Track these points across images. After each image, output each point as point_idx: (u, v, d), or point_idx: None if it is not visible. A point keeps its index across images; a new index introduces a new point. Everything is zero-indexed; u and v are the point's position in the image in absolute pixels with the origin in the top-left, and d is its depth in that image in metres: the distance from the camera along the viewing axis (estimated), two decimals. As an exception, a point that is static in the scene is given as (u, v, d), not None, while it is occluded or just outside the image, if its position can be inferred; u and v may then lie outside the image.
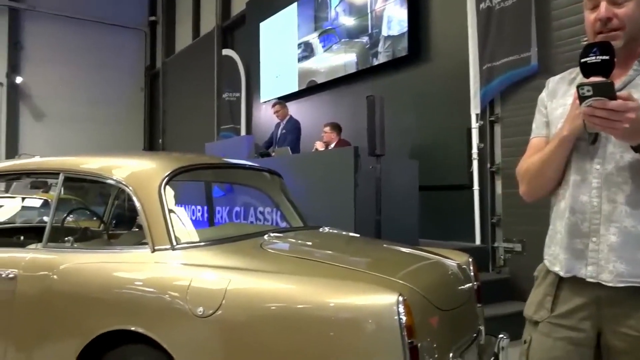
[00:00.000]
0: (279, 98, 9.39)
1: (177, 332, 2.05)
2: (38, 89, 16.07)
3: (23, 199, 7.93)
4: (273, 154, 6.58)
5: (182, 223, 2.48)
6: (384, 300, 1.82)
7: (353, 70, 7.87)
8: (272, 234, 2.58)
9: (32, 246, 2.75)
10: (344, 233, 3.10)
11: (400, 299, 1.81)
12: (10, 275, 2.49)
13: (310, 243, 2.66)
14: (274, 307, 1.94)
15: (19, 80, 15.82)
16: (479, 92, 5.68)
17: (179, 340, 2.05)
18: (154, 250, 2.31)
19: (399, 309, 1.79)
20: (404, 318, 1.79)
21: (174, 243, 2.31)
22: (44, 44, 16.07)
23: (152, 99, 17.65)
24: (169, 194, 2.47)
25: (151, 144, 17.32)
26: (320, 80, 8.57)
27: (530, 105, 1.94)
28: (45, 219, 7.23)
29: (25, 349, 2.43)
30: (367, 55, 7.58)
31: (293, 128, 7.69)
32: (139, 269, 2.28)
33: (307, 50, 8.90)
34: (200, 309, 2.00)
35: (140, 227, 3.66)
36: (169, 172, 2.53)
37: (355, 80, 7.90)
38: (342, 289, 1.94)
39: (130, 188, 2.46)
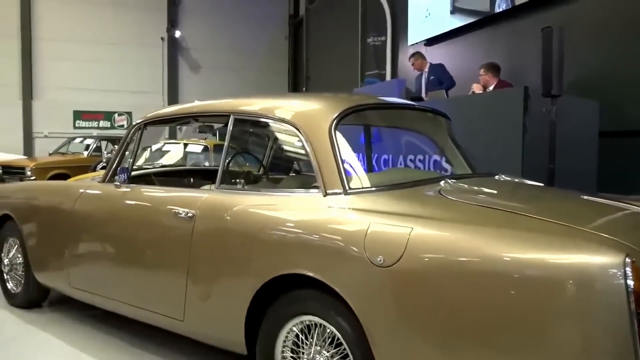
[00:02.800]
0: (428, 40, 8.87)
1: (352, 279, 1.95)
2: (194, 41, 17.13)
3: (186, 144, 8.58)
4: (426, 99, 6.22)
5: (354, 167, 2.34)
6: (604, 260, 1.52)
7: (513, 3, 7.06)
8: (449, 180, 2.33)
9: (206, 187, 2.83)
10: (526, 181, 2.75)
11: (628, 260, 1.49)
12: (189, 215, 2.57)
13: (495, 191, 2.38)
14: (464, 261, 1.72)
15: (177, 34, 16.97)
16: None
17: (355, 288, 1.94)
18: (325, 194, 2.21)
19: (626, 272, 1.48)
20: (631, 283, 1.48)
21: (347, 187, 2.18)
22: (198, -2, 16.95)
23: (296, 47, 17.92)
24: (339, 135, 2.33)
25: (295, 92, 17.74)
26: (475, 17, 7.85)
27: None
28: (206, 163, 7.79)
29: (203, 284, 2.53)
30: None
31: (441, 70, 7.24)
32: (311, 213, 2.20)
33: (461, -16, 8.17)
34: (380, 257, 1.86)
35: (297, 171, 3.69)
36: (339, 112, 2.38)
37: (517, 15, 7.09)
38: (545, 244, 1.66)
39: (302, 130, 2.36)
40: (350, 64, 12.04)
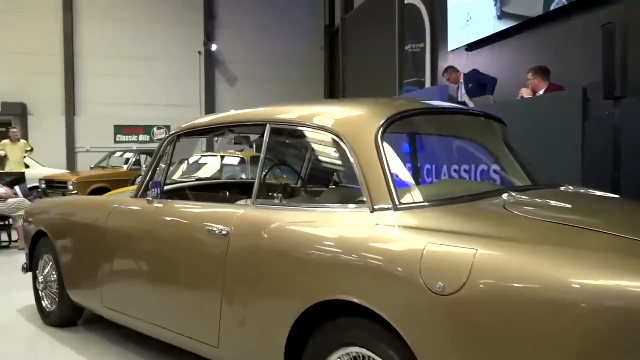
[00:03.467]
0: (469, 45, 8.55)
1: (406, 308, 1.70)
2: (230, 54, 17.25)
3: (222, 157, 8.49)
4: (471, 105, 5.91)
5: (403, 179, 2.10)
6: None
7: (563, 2, 6.68)
8: (512, 193, 2.06)
9: (242, 202, 2.64)
10: (597, 193, 2.44)
11: None
12: (224, 232, 2.38)
13: (567, 205, 2.09)
14: (540, 289, 1.46)
15: (213, 47, 17.11)
16: None
17: (409, 317, 1.70)
18: (372, 210, 1.98)
19: None
20: None
21: (397, 202, 1.94)
22: (234, 11, 17.09)
23: (332, 57, 17.79)
24: (386, 144, 2.10)
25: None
26: (520, 19, 7.48)
27: None
28: (243, 176, 7.65)
29: (239, 308, 2.32)
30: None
31: (477, 74, 6.96)
32: (357, 231, 1.96)
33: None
34: (440, 284, 1.61)
35: (339, 184, 3.46)
36: (385, 119, 2.15)
37: (566, 15, 6.70)
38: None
39: (345, 138, 2.14)
40: (388, 73, 11.78)
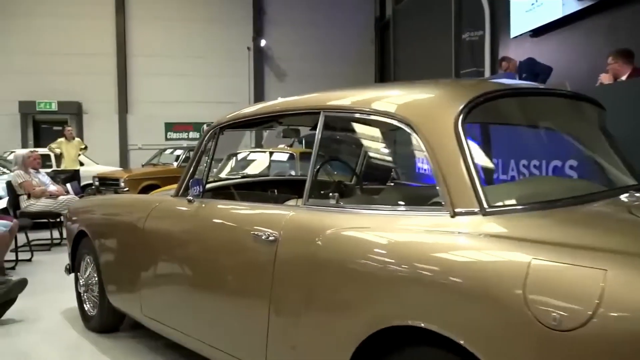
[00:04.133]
0: (535, 31, 7.91)
1: (506, 345, 1.30)
2: (279, 50, 17.07)
3: (270, 153, 8.20)
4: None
5: (490, 176, 1.69)
6: None
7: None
8: (636, 194, 1.61)
9: (291, 203, 2.29)
10: None
11: None
12: (271, 238, 2.04)
13: None
14: None
15: (263, 43, 16.96)
16: None
17: (509, 357, 1.29)
18: (454, 214, 1.58)
19: None
20: None
21: (485, 205, 1.54)
22: (283, 7, 16.88)
23: (383, 51, 17.29)
24: (469, 133, 1.69)
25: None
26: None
27: None
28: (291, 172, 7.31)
29: (289, 327, 1.98)
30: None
31: (532, 62, 6.42)
32: (434, 241, 1.57)
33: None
34: (555, 316, 1.20)
35: (403, 180, 3.06)
36: (466, 102, 1.73)
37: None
38: None
39: (417, 127, 1.74)
40: (443, 64, 11.20)
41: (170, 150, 12.72)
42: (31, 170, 6.79)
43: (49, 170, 9.95)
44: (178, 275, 2.72)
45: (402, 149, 2.05)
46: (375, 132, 2.26)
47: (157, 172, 11.09)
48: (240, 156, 8.13)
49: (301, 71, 16.88)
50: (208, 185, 2.81)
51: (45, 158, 11.03)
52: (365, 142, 2.55)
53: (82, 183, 10.76)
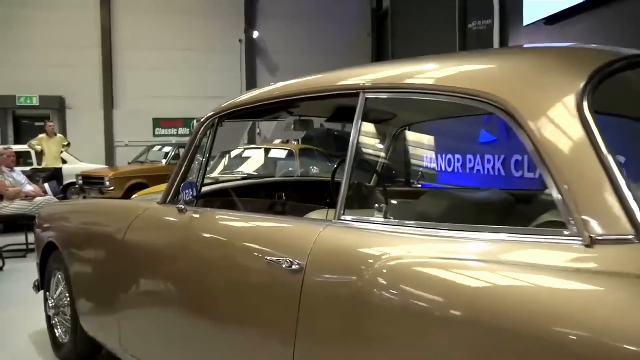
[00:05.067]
0: (548, 19, 7.40)
1: None
2: (272, 43, 16.49)
3: (267, 150, 7.61)
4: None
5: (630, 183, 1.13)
6: None
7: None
8: None
9: (317, 215, 1.72)
10: None
11: None
12: (294, 267, 1.47)
13: None
14: None
15: (255, 34, 16.36)
16: None
17: None
18: (591, 243, 1.02)
19: None
20: None
21: (642, 227, 0.98)
22: (275, -3, 16.33)
23: (380, 44, 16.77)
24: (598, 119, 1.13)
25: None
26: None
27: None
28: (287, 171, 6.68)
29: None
30: None
31: None
32: (560, 284, 1.01)
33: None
34: None
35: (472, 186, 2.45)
36: (590, 75, 1.17)
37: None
38: None
39: (518, 112, 1.16)
40: (446, 56, 10.66)
41: (159, 147, 12.23)
42: (5, 169, 6.20)
43: (27, 168, 9.36)
44: (163, 304, 2.15)
45: (499, 143, 1.47)
46: (450, 119, 1.67)
47: (145, 170, 10.62)
48: (240, 154, 7.49)
49: (295, 64, 16.26)
50: (203, 189, 2.23)
51: (26, 155, 10.46)
52: (438, 135, 1.90)
53: (65, 182, 10.22)
